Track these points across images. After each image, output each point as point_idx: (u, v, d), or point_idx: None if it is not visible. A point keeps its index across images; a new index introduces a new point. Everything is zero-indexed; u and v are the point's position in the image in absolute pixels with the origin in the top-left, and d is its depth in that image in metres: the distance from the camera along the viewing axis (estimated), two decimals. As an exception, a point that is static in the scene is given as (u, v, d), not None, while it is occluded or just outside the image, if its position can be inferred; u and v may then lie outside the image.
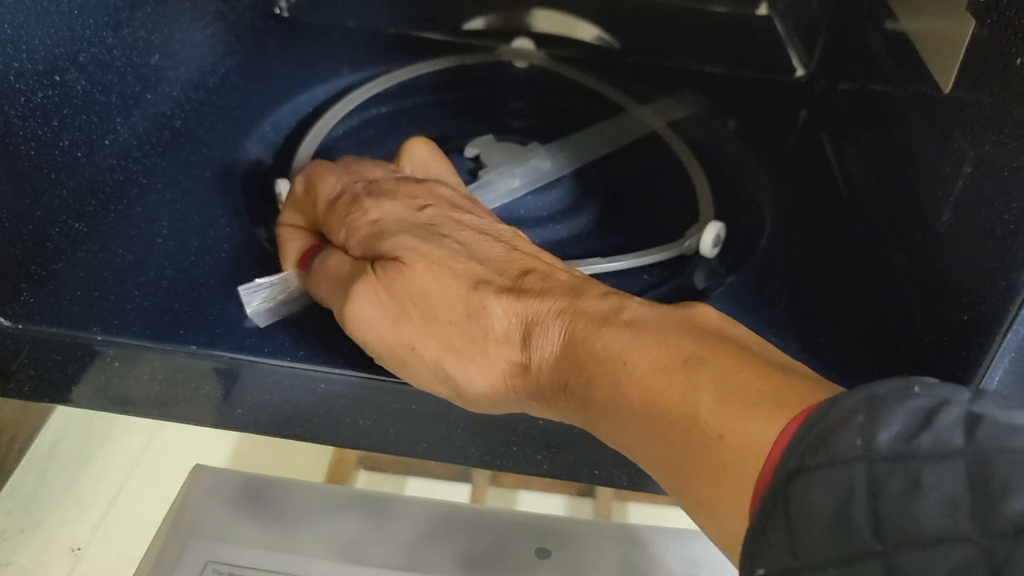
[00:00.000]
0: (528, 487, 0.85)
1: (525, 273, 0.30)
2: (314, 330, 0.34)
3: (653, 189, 0.46)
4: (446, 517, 0.33)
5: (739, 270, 0.39)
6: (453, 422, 0.33)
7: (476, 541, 0.33)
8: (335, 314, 0.30)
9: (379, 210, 0.31)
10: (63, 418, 0.40)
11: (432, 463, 0.87)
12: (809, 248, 0.41)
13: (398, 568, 0.32)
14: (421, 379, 0.29)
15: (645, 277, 0.39)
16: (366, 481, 0.84)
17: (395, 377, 0.32)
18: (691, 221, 0.42)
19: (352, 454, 0.83)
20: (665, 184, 0.46)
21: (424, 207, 0.32)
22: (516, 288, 0.29)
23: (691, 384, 0.25)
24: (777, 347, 0.34)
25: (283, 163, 0.44)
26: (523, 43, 0.54)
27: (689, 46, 0.57)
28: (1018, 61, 0.29)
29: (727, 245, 0.41)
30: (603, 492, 0.84)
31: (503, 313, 0.28)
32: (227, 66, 0.50)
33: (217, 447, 0.66)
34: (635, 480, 0.34)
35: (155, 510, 0.33)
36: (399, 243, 0.29)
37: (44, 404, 0.39)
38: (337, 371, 0.32)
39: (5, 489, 0.34)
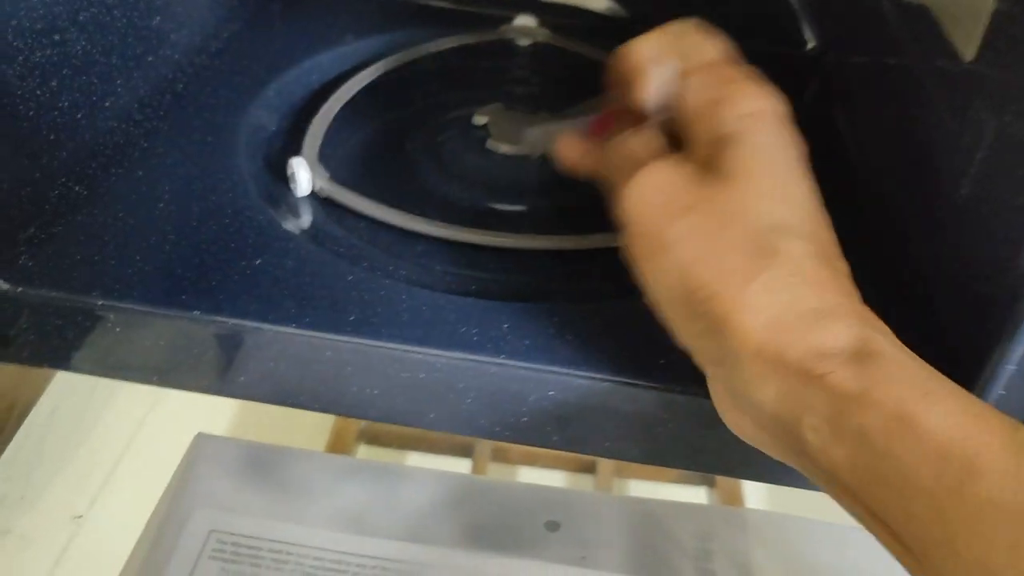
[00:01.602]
0: (530, 463, 0.85)
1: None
2: (321, 296, 0.33)
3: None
4: (452, 488, 0.33)
5: None
6: (462, 392, 0.32)
7: (483, 513, 0.32)
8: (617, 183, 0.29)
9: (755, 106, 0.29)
10: (63, 384, 0.39)
11: (433, 437, 0.87)
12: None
13: (403, 539, 0.31)
14: (666, 280, 0.27)
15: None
16: (366, 454, 0.83)
17: (405, 344, 0.31)
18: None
19: (352, 427, 0.82)
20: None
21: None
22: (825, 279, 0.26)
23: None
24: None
25: (293, 137, 0.43)
26: (525, 20, 0.53)
27: (698, 16, 0.56)
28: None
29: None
30: (604, 467, 0.84)
31: (798, 261, 0.26)
32: (230, 30, 0.49)
33: (217, 416, 0.66)
34: (648, 453, 0.34)
35: (156, 478, 0.32)
36: (749, 154, 0.27)
37: (43, 370, 0.38)
38: (344, 338, 0.32)
39: (5, 456, 0.34)
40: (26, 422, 0.34)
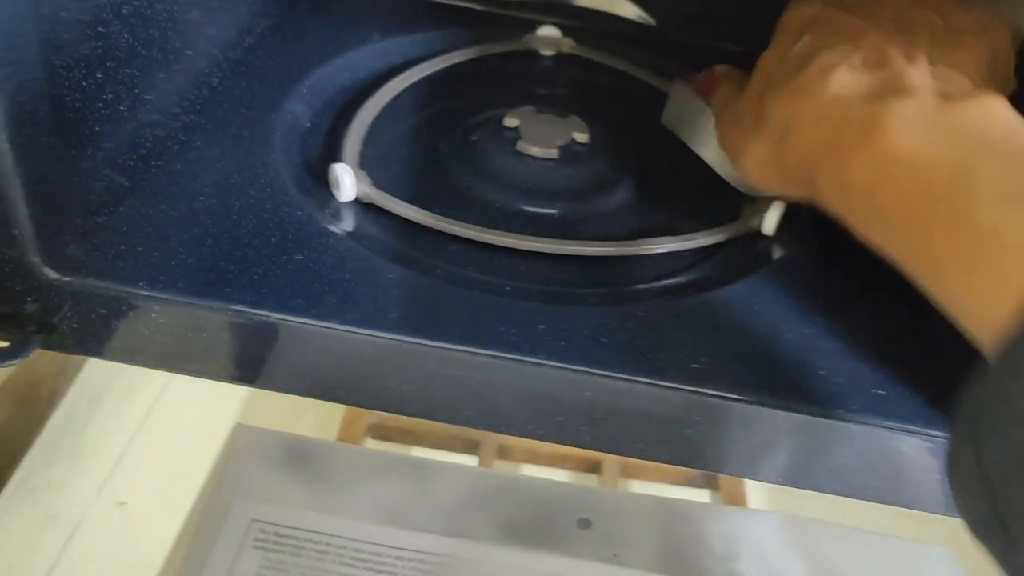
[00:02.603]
0: (535, 461, 0.85)
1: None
2: (362, 293, 0.34)
3: (692, 166, 0.46)
4: (487, 484, 0.34)
5: (791, 247, 0.39)
6: (499, 390, 0.33)
7: (517, 509, 0.33)
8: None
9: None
10: (103, 371, 0.40)
11: (440, 434, 0.87)
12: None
13: (440, 533, 0.32)
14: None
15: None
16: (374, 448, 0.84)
17: (445, 342, 0.32)
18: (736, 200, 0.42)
19: (362, 421, 0.83)
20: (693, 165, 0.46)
21: None
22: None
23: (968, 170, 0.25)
24: (817, 331, 0.34)
25: (328, 137, 0.44)
26: (549, 31, 0.54)
27: (728, 23, 0.57)
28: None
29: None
30: (609, 468, 0.84)
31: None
32: (262, 26, 0.49)
33: (224, 405, 0.66)
34: (678, 455, 0.34)
35: (195, 465, 0.33)
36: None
37: (83, 358, 0.39)
38: (386, 335, 0.32)
39: (48, 441, 0.34)
40: (68, 407, 0.35)
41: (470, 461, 0.87)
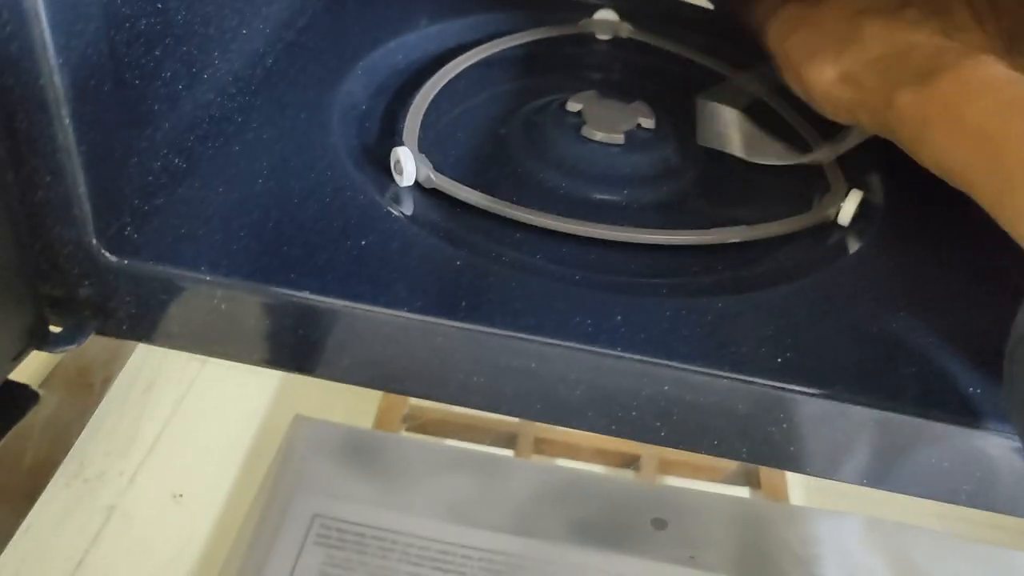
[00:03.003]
0: (572, 455, 0.84)
1: None
2: (430, 280, 0.32)
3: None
4: (556, 482, 0.32)
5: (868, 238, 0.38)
6: (573, 384, 0.32)
7: (588, 508, 0.32)
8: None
9: None
10: (155, 357, 0.39)
11: (477, 425, 0.86)
12: (934, 213, 0.39)
13: (508, 532, 0.31)
14: None
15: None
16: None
17: (519, 332, 0.31)
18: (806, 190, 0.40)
19: (398, 410, 0.82)
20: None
21: None
22: None
23: None
24: (906, 325, 0.33)
25: (386, 120, 0.43)
26: (606, 14, 0.52)
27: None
28: None
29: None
30: (647, 464, 0.83)
31: None
32: (314, 6, 0.48)
33: (260, 391, 0.65)
34: (755, 452, 0.33)
35: (244, 454, 0.32)
36: None
37: (132, 345, 0.38)
38: (457, 324, 0.31)
39: (101, 430, 0.33)
40: (120, 395, 0.34)
41: (506, 456, 0.86)
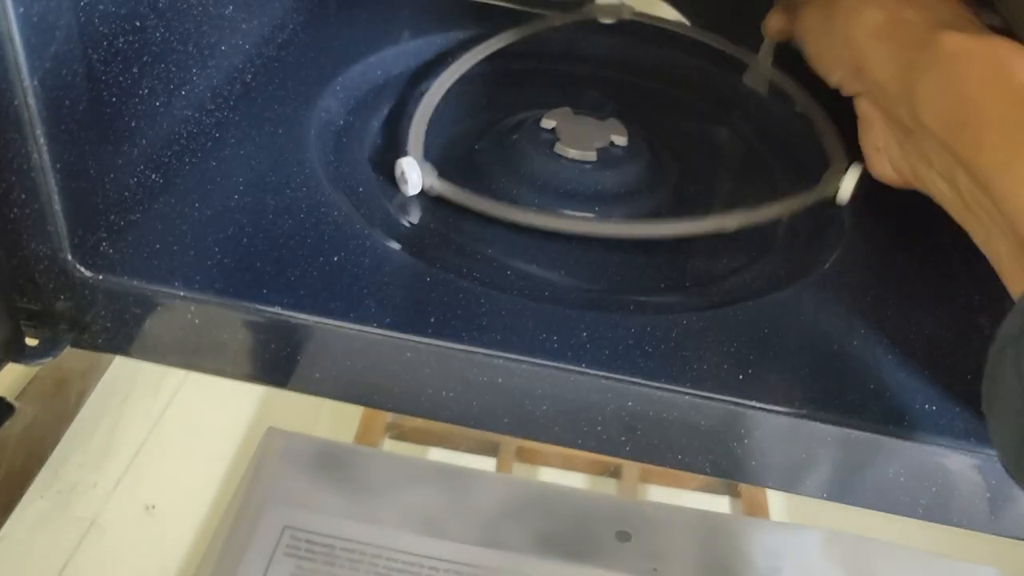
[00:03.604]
0: (554, 464, 0.85)
1: None
2: (401, 297, 0.33)
3: (726, 171, 0.45)
4: (524, 494, 0.33)
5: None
6: (539, 399, 0.32)
7: (554, 520, 0.32)
8: None
9: None
10: (130, 370, 0.39)
11: (459, 435, 0.87)
12: (896, 238, 0.40)
13: (476, 543, 0.31)
14: None
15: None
16: (391, 449, 0.83)
17: (486, 348, 0.31)
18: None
19: (380, 421, 0.82)
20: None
21: None
22: None
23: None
24: (866, 343, 0.34)
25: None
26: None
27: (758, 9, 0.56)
28: None
29: (794, 237, 0.40)
30: (629, 474, 0.84)
31: None
32: (295, 22, 0.48)
33: (243, 403, 0.65)
34: (717, 466, 0.33)
35: (224, 467, 0.32)
36: None
37: (109, 357, 0.38)
38: (426, 340, 0.32)
39: (75, 442, 0.34)
40: (95, 409, 0.34)
41: (489, 463, 0.86)
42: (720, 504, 0.86)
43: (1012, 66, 0.30)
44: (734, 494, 0.86)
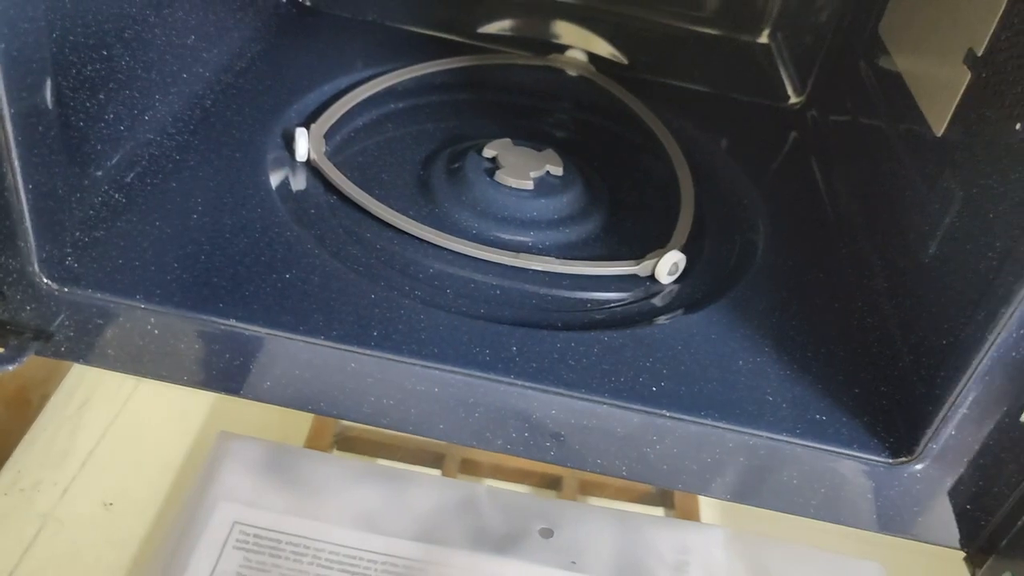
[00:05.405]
0: (497, 476, 0.87)
1: None
2: (346, 312, 0.36)
3: (651, 202, 0.49)
4: (459, 495, 0.36)
5: (722, 293, 0.42)
6: (471, 407, 0.35)
7: (485, 518, 0.35)
8: None
9: None
10: (93, 378, 0.42)
11: (405, 447, 0.89)
12: (797, 268, 0.44)
13: (411, 538, 0.34)
14: None
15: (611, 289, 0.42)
16: (339, 460, 0.85)
17: (424, 360, 0.34)
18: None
19: (328, 432, 0.84)
20: (662, 198, 0.49)
21: None
22: None
23: None
24: (767, 360, 0.37)
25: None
26: (577, 54, 0.57)
27: (691, 66, 0.60)
28: (1017, 126, 0.32)
29: (712, 264, 0.44)
30: (568, 484, 0.86)
31: None
32: (253, 51, 0.51)
33: (196, 408, 0.67)
34: (633, 470, 0.37)
35: (178, 467, 0.35)
36: None
37: (70, 364, 0.40)
38: (368, 352, 0.35)
39: (39, 443, 0.36)
40: (59, 410, 0.36)
41: (434, 474, 0.89)
42: (655, 514, 0.90)
43: None
44: (669, 505, 0.90)
